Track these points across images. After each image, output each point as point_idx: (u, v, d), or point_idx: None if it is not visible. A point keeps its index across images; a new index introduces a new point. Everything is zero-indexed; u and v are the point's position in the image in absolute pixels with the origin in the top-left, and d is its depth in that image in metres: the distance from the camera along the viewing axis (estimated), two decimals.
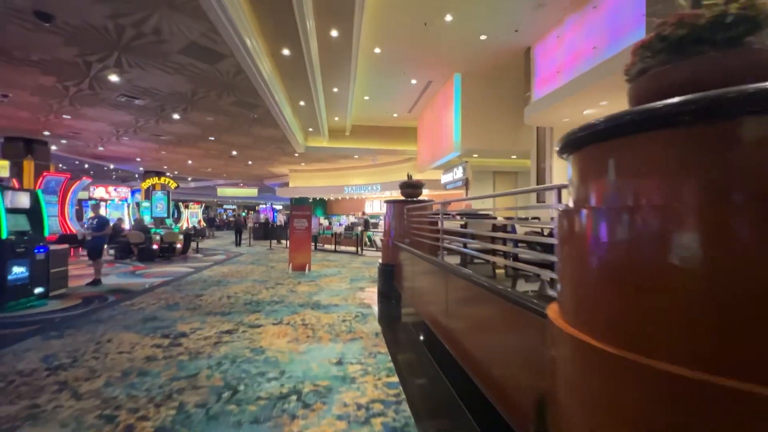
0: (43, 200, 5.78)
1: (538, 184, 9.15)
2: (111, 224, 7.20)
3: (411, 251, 4.82)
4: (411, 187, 6.24)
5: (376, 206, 20.85)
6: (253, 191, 29.37)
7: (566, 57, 6.65)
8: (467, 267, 3.24)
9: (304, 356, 3.56)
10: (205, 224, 23.35)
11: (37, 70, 6.22)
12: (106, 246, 12.10)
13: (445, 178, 11.92)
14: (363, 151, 14.45)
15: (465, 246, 3.72)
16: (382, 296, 6.24)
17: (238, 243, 16.76)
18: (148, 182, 16.08)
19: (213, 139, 11.97)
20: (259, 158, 16.42)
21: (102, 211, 14.55)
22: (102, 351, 3.63)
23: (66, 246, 6.39)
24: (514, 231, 3.41)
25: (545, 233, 3.28)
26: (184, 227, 22.00)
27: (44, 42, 5.24)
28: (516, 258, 2.55)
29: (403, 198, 6.44)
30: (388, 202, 6.58)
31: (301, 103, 9.85)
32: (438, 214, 4.97)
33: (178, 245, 11.82)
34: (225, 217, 41.61)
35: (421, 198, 6.45)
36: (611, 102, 6.52)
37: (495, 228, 3.73)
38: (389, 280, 6.13)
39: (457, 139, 9.24)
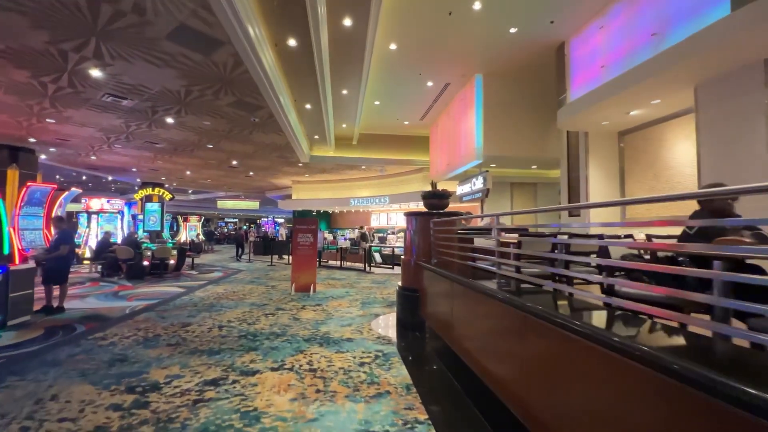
0: (4, 212, 4.88)
1: (570, 195, 8.25)
2: (74, 243, 6.08)
3: (445, 275, 3.87)
4: (436, 198, 5.35)
5: (383, 219, 19.95)
6: (254, 204, 28.58)
7: (614, 49, 5.82)
8: (520, 297, 2.30)
9: (315, 426, 2.58)
10: (203, 238, 22.48)
11: (7, 61, 5.45)
12: (90, 262, 11.25)
13: (462, 189, 11.03)
14: (371, 161, 13.65)
15: (518, 270, 2.80)
16: (402, 327, 5.25)
17: (238, 257, 15.83)
18: (141, 193, 15.24)
19: (211, 146, 11.18)
20: (260, 169, 15.63)
21: (95, 226, 13.82)
22: (37, 417, 2.67)
23: (32, 266, 5.47)
24: (605, 253, 2.48)
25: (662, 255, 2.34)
26: (182, 241, 21.20)
27: (8, 23, 4.47)
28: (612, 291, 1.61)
29: (426, 210, 5.51)
30: (408, 214, 5.67)
31: (307, 106, 9.07)
32: (486, 230, 4.04)
33: (172, 261, 10.90)
34: (226, 230, 40.89)
35: (449, 210, 5.51)
36: (666, 100, 5.66)
37: (557, 247, 2.84)
38: (412, 308, 5.16)
39: (479, 146, 8.38)
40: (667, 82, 5.04)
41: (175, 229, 30.84)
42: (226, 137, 10.13)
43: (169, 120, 8.73)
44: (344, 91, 8.74)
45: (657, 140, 6.73)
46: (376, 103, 10.36)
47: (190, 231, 22.68)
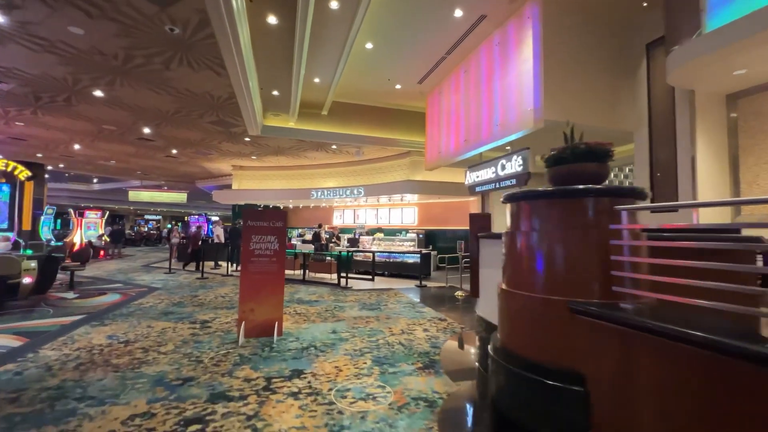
0: None
1: (653, 183, 6.01)
2: None
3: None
4: (593, 157, 2.44)
5: (348, 217, 16.74)
6: (180, 196, 23.54)
7: None
8: None
9: None
10: (107, 239, 17.39)
11: None
12: None
13: (475, 176, 8.42)
14: (345, 138, 10.50)
15: None
16: None
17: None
18: None
19: (101, 94, 7.17)
20: (188, 144, 11.61)
21: None
22: None
23: None
24: None
25: None
26: (74, 243, 15.98)
27: None
28: None
29: (578, 188, 2.53)
30: (528, 197, 2.65)
31: (271, 20, 5.66)
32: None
33: (27, 280, 6.78)
34: (146, 230, 34.57)
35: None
36: None
37: None
38: (558, 411, 2.21)
39: (537, 106, 5.73)
40: None
41: (59, 228, 24.49)
42: (123, 71, 6.28)
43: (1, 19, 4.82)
44: (333, 4, 5.54)
45: None
46: (369, 46, 7.31)
47: (88, 230, 17.45)
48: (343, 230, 15.14)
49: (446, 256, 9.89)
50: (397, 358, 4.10)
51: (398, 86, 9.40)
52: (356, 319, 5.85)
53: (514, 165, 7.11)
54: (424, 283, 9.73)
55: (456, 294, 8.34)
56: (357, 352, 4.24)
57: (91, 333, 4.82)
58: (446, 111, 8.92)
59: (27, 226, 14.45)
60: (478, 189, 8.58)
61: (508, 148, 8.50)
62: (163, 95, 7.11)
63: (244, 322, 4.69)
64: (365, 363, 3.91)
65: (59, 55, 5.15)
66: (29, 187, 14.59)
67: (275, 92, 8.05)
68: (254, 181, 15.67)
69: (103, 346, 4.27)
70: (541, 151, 6.25)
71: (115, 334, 4.77)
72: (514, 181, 7.22)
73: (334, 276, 11.01)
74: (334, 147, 11.58)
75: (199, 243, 11.27)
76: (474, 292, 4.01)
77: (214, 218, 31.81)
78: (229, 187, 16.89)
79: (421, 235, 13.37)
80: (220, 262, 13.01)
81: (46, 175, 25.69)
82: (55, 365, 3.67)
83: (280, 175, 15.39)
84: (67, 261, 8.39)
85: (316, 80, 8.15)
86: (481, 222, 4.03)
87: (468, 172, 8.82)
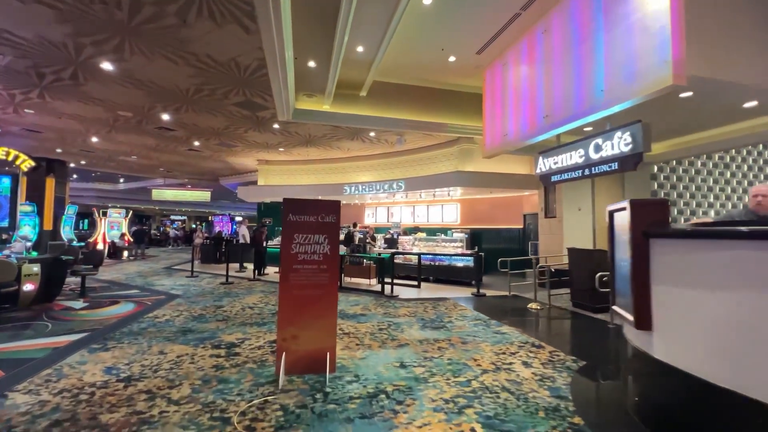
0: None
1: None
2: None
3: None
4: None
5: (380, 215, 15.46)
6: (204, 195, 22.93)
7: None
8: None
9: None
10: (131, 239, 16.83)
11: None
12: None
13: (552, 162, 6.93)
14: (385, 122, 9.19)
15: None
16: None
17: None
18: None
19: (110, 67, 6.13)
20: (211, 133, 10.61)
21: None
22: None
23: None
24: None
25: None
26: (97, 243, 15.44)
27: None
28: None
29: None
30: None
31: None
32: None
33: (28, 287, 5.83)
34: (170, 230, 34.69)
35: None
36: None
37: None
38: None
39: (676, 57, 4.19)
40: None
41: (86, 228, 24.41)
42: (130, 30, 5.13)
43: None
44: None
45: None
46: (427, 1, 5.94)
47: (111, 230, 16.93)
48: (377, 230, 13.86)
49: (507, 259, 8.41)
50: (516, 418, 2.72)
51: (452, 58, 8.00)
52: (423, 344, 4.51)
53: (617, 144, 5.58)
54: (480, 291, 8.28)
55: (529, 306, 6.88)
56: (451, 407, 2.90)
57: (87, 363, 3.68)
58: (514, 84, 7.45)
59: (48, 225, 13.97)
60: (555, 178, 7.08)
61: (589, 129, 6.99)
62: (180, 66, 5.99)
63: (284, 353, 3.43)
64: (471, 427, 2.56)
65: (52, 6, 4.09)
66: (50, 184, 14.11)
67: (311, 63, 6.81)
68: (281, 177, 14.61)
69: (96, 387, 3.11)
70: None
71: (117, 365, 3.62)
72: (615, 165, 5.70)
73: (373, 281, 9.77)
74: (372, 134, 10.29)
75: (264, 243, 10.13)
76: (641, 322, 2.59)
77: (238, 218, 31.33)
78: (254, 184, 15.94)
79: (466, 235, 11.94)
80: (245, 264, 11.99)
81: (74, 176, 25.95)
82: (17, 428, 2.50)
83: (309, 169, 14.26)
84: (75, 266, 7.45)
85: (360, 49, 6.85)
86: (652, 212, 2.60)
87: (540, 158, 7.32)
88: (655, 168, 9.97)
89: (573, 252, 7.19)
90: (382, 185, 11.56)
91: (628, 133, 5.38)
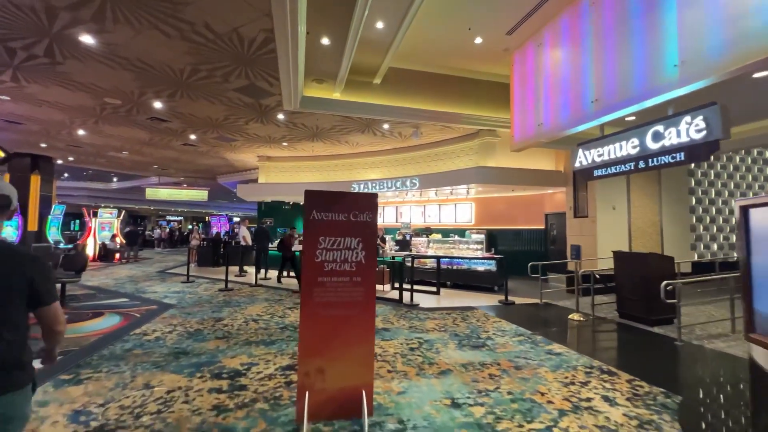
0: None
1: None
2: None
3: None
4: None
5: (388, 215, 14.64)
6: (201, 194, 22.01)
7: None
8: None
9: None
10: (123, 240, 15.94)
11: None
12: None
13: (596, 154, 6.14)
14: (401, 112, 8.38)
15: None
16: None
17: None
18: None
19: (92, 41, 5.30)
20: (208, 125, 9.77)
21: None
22: None
23: None
24: None
25: None
26: (85, 245, 14.52)
27: None
28: None
29: None
30: None
31: None
32: None
33: None
34: (167, 231, 33.72)
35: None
36: None
37: None
38: None
39: None
40: None
41: (77, 229, 23.48)
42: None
43: None
44: None
45: None
46: None
47: (102, 230, 16.03)
48: (389, 230, 13.05)
49: (539, 263, 7.62)
50: None
51: (478, 39, 7.20)
52: (470, 370, 3.70)
53: (684, 132, 4.79)
54: (508, 298, 7.47)
55: (571, 318, 6.08)
56: None
57: (49, 404, 2.85)
58: (551, 67, 6.66)
59: (33, 226, 13.05)
60: (598, 173, 6.28)
61: (632, 118, 6.24)
62: (173, 39, 5.15)
63: (308, 393, 2.61)
64: None
65: None
66: (35, 182, 13.21)
67: (325, 40, 5.99)
68: (283, 174, 13.76)
69: None
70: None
71: (87, 409, 2.79)
72: (681, 156, 4.91)
73: (387, 287, 8.96)
74: (386, 126, 9.46)
75: (292, 249, 9.10)
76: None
77: (236, 219, 30.37)
78: (254, 182, 15.08)
79: (483, 236, 11.15)
80: (245, 268, 11.15)
81: (65, 174, 24.96)
82: None
83: (314, 166, 13.42)
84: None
85: (379, 25, 6.04)
86: None
87: (581, 150, 6.52)
88: (692, 163, 9.26)
89: (620, 256, 6.40)
90: (394, 182, 10.74)
91: (701, 117, 4.59)
